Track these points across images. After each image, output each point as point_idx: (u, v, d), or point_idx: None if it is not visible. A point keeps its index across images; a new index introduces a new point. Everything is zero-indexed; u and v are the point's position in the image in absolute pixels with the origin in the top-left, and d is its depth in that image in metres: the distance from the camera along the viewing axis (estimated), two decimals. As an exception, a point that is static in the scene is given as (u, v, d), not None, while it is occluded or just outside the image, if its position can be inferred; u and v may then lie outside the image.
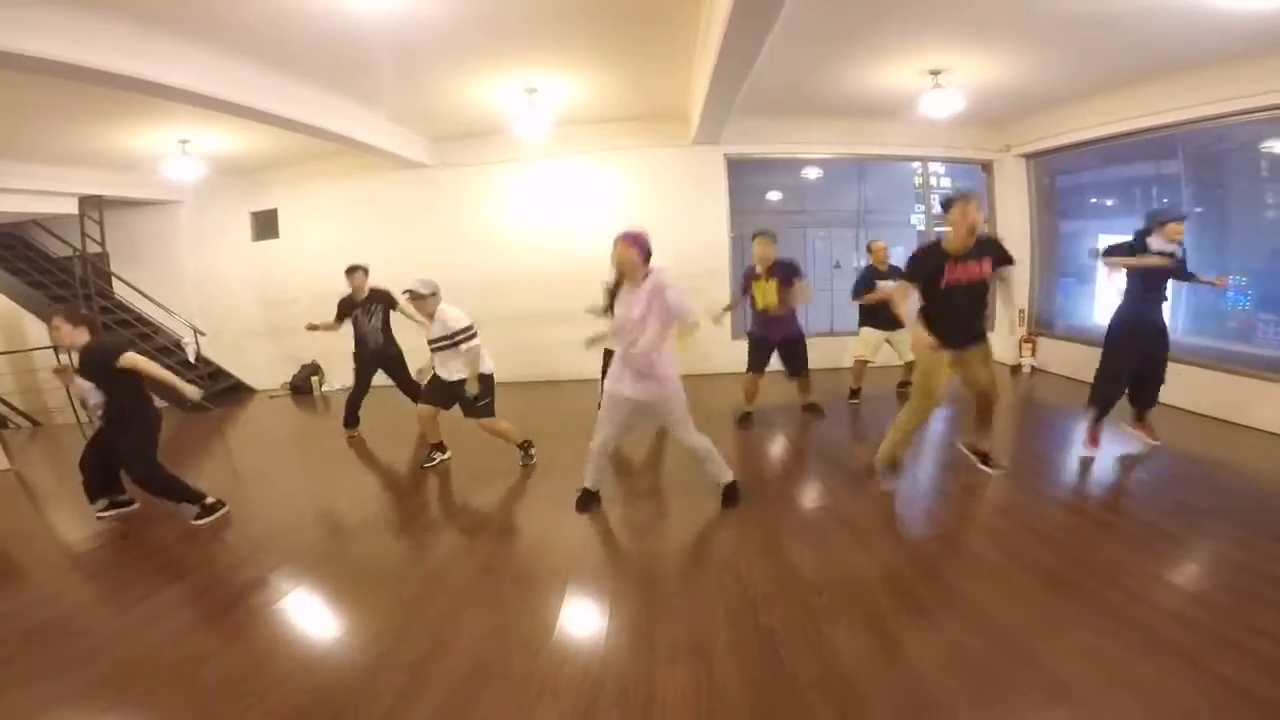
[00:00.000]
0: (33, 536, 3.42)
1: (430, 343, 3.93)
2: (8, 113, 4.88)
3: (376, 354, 5.04)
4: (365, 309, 4.96)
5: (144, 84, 3.80)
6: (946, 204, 3.23)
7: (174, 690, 1.97)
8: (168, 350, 7.48)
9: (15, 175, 6.32)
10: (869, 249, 5.33)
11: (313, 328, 5.11)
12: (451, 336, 3.78)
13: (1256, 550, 2.52)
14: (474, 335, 3.80)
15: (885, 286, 4.99)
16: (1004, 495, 3.32)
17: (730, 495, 3.23)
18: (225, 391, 7.69)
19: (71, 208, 6.98)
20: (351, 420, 5.17)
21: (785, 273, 4.42)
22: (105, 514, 3.48)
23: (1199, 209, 5.34)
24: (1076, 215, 6.88)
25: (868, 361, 5.31)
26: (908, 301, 3.34)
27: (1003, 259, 3.26)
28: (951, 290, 3.21)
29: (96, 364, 3.23)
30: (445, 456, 4.22)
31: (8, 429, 6.72)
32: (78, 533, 3.38)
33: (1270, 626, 1.98)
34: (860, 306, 5.29)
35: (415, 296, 3.80)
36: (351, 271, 5.00)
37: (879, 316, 5.04)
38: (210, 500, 3.47)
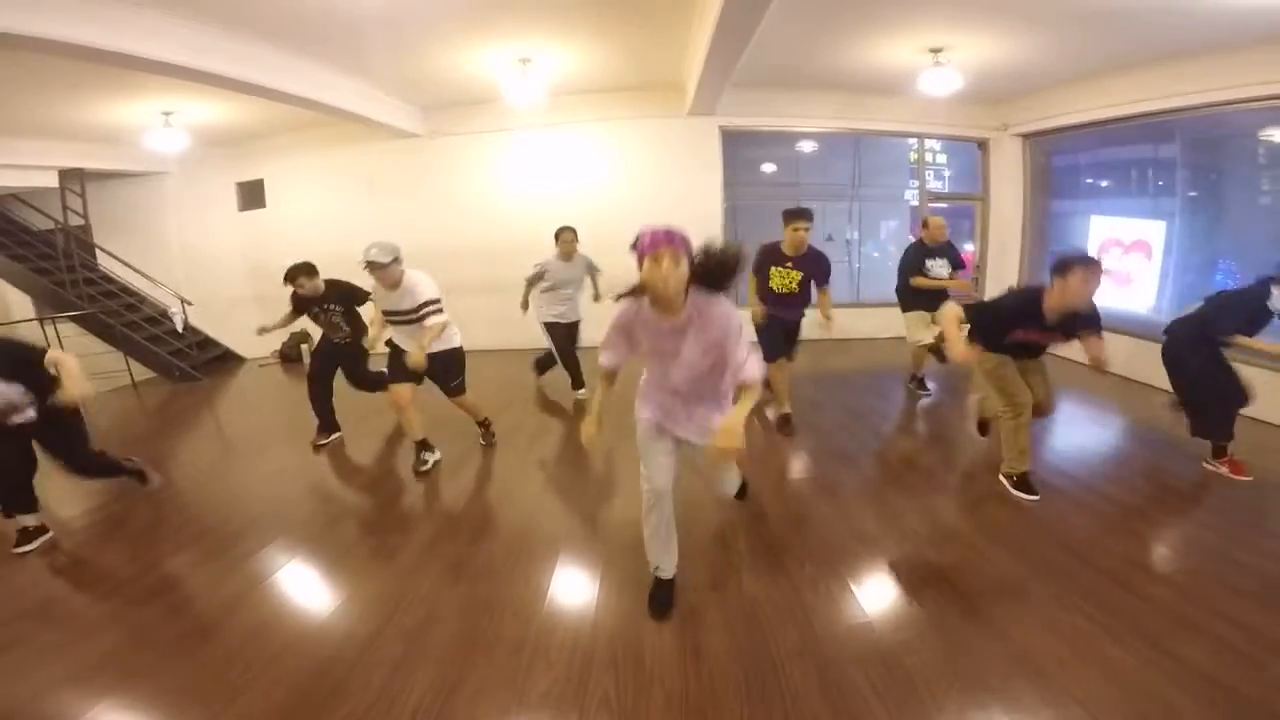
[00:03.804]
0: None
1: (389, 315, 3.50)
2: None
3: (340, 349, 4.26)
4: (322, 307, 4.11)
5: (127, 59, 3.70)
6: (1064, 265, 2.62)
7: (174, 668, 1.99)
8: (154, 320, 7.42)
9: (-7, 150, 6.18)
10: (924, 224, 4.71)
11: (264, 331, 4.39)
12: (418, 309, 3.40)
13: (1235, 538, 2.57)
14: (441, 309, 3.46)
15: (935, 272, 4.56)
16: (993, 474, 3.30)
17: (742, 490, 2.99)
18: (214, 360, 7.64)
19: (51, 181, 6.85)
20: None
21: (820, 267, 4.06)
22: (27, 546, 2.85)
23: (1193, 193, 5.37)
24: (1071, 196, 6.88)
25: (926, 345, 4.71)
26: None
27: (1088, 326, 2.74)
28: (1016, 344, 2.94)
29: (12, 361, 2.71)
30: (437, 457, 3.73)
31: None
32: (74, 508, 3.33)
33: (1235, 613, 2.06)
34: (903, 289, 4.72)
35: (376, 267, 3.27)
36: (291, 276, 4.02)
37: (924, 298, 4.57)
38: (138, 467, 3.38)
